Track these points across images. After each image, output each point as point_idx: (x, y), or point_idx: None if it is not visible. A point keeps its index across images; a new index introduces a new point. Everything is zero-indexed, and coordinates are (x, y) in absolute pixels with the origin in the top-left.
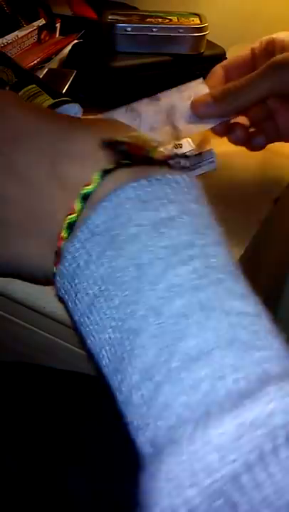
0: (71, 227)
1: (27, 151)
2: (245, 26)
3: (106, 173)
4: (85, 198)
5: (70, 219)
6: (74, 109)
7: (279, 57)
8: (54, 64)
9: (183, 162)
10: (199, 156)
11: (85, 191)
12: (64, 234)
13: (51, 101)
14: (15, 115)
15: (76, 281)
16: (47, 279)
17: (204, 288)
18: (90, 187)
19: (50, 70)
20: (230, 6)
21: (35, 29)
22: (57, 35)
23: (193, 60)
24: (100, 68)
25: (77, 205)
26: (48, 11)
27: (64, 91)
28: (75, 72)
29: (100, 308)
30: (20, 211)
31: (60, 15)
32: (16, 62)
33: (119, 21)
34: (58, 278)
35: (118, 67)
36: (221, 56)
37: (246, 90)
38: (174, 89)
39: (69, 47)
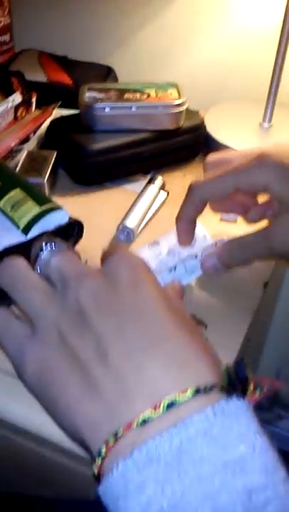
0: (144, 423)
1: (153, 356)
2: (221, 87)
3: (199, 392)
4: (170, 405)
5: (146, 416)
6: (62, 217)
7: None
8: (33, 143)
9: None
10: (215, 247)
11: (173, 399)
12: (135, 425)
13: (38, 209)
14: (153, 311)
15: (120, 501)
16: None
17: None
18: (180, 396)
19: (29, 153)
20: (204, 67)
21: (11, 109)
22: (33, 108)
23: (173, 134)
24: (78, 150)
25: (162, 407)
26: (22, 80)
27: (47, 175)
28: (56, 153)
29: None
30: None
31: (35, 82)
32: (0, 163)
33: (97, 100)
34: (101, 487)
35: (96, 150)
36: (200, 126)
37: (248, 248)
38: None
39: (46, 122)
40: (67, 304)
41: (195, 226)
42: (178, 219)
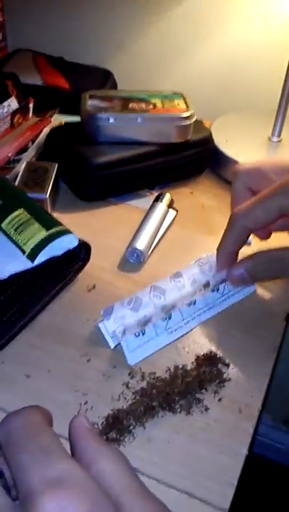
0: None
1: None
2: (225, 95)
3: None
4: None
5: None
6: (70, 241)
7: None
8: (31, 153)
9: None
10: None
11: None
12: None
13: (44, 233)
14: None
15: None
16: None
17: None
18: None
19: (28, 164)
20: (208, 75)
21: (7, 114)
22: (30, 115)
23: (180, 147)
24: (81, 163)
25: None
26: (17, 83)
27: (49, 188)
28: (57, 165)
29: None
30: None
31: (30, 85)
32: (3, 179)
33: (100, 109)
34: None
35: (100, 163)
36: (208, 139)
37: (279, 263)
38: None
39: (45, 131)
40: None
41: (236, 259)
42: (219, 251)
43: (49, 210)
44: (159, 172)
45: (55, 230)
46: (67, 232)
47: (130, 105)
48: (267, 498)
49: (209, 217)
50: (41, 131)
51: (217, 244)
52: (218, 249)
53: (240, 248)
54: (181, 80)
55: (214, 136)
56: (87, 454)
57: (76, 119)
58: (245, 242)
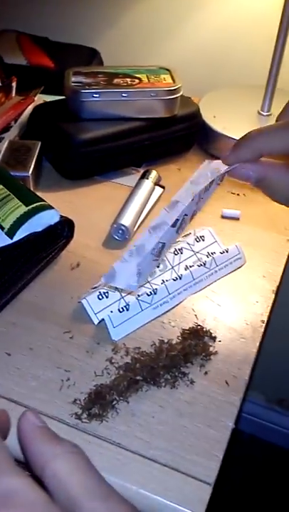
0: None
1: None
2: (216, 72)
3: None
4: None
5: None
6: (51, 217)
7: None
8: (14, 132)
9: None
10: (226, 254)
11: None
12: None
13: (24, 208)
14: None
15: None
16: None
17: None
18: None
19: (11, 142)
20: (197, 51)
21: None
22: (13, 94)
23: (167, 122)
24: (64, 140)
25: None
26: (0, 62)
27: (32, 166)
28: (40, 143)
29: None
30: None
31: (14, 65)
32: None
33: (84, 85)
34: None
35: (84, 140)
36: (195, 114)
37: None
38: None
39: (28, 109)
40: None
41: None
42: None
43: (32, 189)
44: (146, 148)
45: (34, 206)
46: (47, 207)
47: (115, 81)
48: (261, 479)
49: None
50: (24, 110)
51: (202, 222)
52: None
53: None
54: (170, 57)
55: (202, 112)
56: (40, 457)
57: (62, 98)
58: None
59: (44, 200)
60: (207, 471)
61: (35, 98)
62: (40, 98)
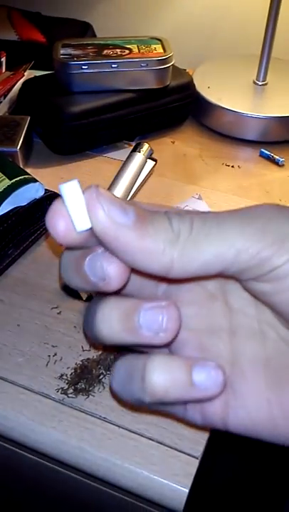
0: None
1: None
2: (210, 43)
3: None
4: None
5: None
6: (36, 190)
7: None
8: (3, 107)
9: None
10: None
11: None
12: None
13: (7, 182)
14: None
15: None
16: None
17: None
18: None
19: (0, 118)
20: (189, 23)
21: None
22: (3, 69)
23: (159, 93)
24: (54, 114)
25: None
26: None
27: (20, 143)
28: (29, 118)
29: None
30: None
31: (5, 40)
32: None
33: (72, 57)
34: None
35: (75, 113)
36: (188, 85)
37: None
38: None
39: (18, 85)
40: None
41: None
42: None
43: (21, 165)
44: (138, 121)
45: (19, 179)
46: (32, 180)
47: (104, 52)
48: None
49: (190, 166)
50: (14, 85)
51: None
52: None
53: None
54: (164, 29)
55: (196, 83)
56: None
57: (52, 72)
58: None
59: (28, 174)
60: (194, 445)
61: (26, 73)
62: (32, 73)
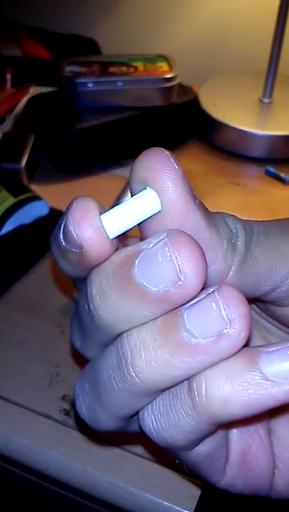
0: None
1: None
2: (216, 60)
3: None
4: None
5: None
6: (41, 208)
7: None
8: (8, 124)
9: None
10: None
11: None
12: None
13: (12, 200)
14: None
15: None
16: None
17: None
18: None
19: (5, 135)
20: (195, 40)
21: None
22: (8, 86)
23: (164, 111)
24: (59, 131)
25: None
26: None
27: (25, 160)
28: (34, 136)
29: None
30: None
31: (10, 57)
32: None
33: (78, 75)
34: None
35: (80, 130)
36: (193, 102)
37: None
38: None
39: (23, 101)
40: None
41: None
42: None
43: (25, 182)
44: (143, 138)
45: (24, 197)
46: (36, 198)
47: (110, 69)
48: None
49: (196, 184)
50: (19, 102)
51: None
52: None
53: None
54: (169, 46)
55: (202, 100)
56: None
57: (57, 89)
58: None
59: (33, 191)
60: None
61: (30, 90)
62: (37, 90)
